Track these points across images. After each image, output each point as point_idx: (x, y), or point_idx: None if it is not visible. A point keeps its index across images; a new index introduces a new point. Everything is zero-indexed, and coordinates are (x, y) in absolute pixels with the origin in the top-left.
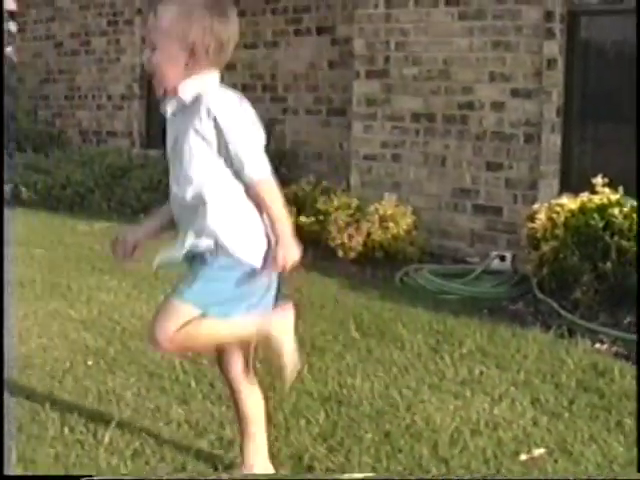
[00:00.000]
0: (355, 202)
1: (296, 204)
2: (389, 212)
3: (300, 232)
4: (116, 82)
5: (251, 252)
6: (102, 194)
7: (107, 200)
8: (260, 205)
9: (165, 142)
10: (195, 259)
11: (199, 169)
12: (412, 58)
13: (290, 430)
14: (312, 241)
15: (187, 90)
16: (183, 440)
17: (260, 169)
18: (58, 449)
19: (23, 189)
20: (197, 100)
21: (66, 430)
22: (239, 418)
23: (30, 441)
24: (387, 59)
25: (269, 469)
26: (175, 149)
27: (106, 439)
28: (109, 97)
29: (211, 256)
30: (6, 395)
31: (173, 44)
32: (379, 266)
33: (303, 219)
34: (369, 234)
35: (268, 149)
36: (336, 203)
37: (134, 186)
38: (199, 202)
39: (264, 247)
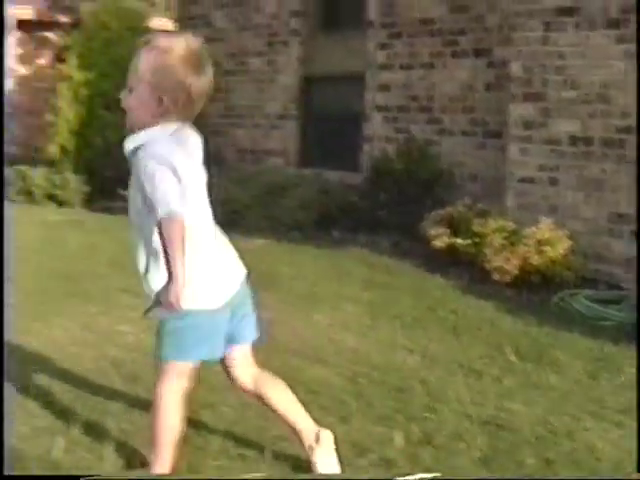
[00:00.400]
0: (511, 225)
1: (451, 226)
2: (546, 236)
3: (456, 253)
4: (272, 101)
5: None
6: (259, 211)
7: (263, 218)
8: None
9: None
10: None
11: (142, 223)
12: (570, 81)
13: (451, 453)
14: (467, 263)
15: (132, 141)
16: (343, 459)
17: (163, 207)
18: (222, 462)
19: None
20: (137, 153)
21: (229, 444)
22: (280, 418)
23: (196, 453)
24: (544, 82)
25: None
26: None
27: (268, 454)
28: (265, 116)
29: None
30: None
31: (146, 90)
32: (534, 290)
33: (459, 241)
34: (525, 257)
35: (423, 170)
36: (492, 226)
37: (290, 204)
38: (148, 255)
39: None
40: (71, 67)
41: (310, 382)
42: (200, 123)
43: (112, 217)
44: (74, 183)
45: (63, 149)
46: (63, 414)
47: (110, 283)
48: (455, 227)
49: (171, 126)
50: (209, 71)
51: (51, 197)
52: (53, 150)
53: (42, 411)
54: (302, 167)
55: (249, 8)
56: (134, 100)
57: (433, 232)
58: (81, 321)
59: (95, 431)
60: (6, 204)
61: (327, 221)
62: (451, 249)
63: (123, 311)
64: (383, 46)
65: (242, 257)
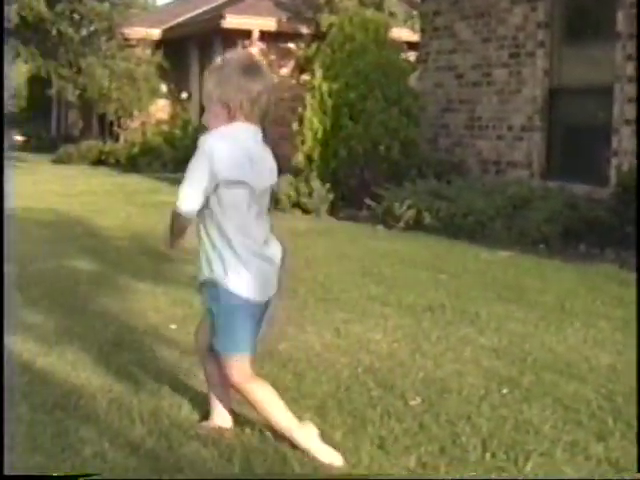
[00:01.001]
0: None
1: None
2: None
3: None
4: (517, 113)
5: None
6: (503, 223)
7: (508, 229)
8: None
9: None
10: None
11: None
12: None
13: None
14: None
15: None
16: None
17: (177, 195)
18: (479, 473)
19: (426, 214)
20: None
21: (487, 456)
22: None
23: (453, 464)
24: None
25: None
26: None
27: (527, 469)
28: (509, 128)
29: None
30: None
31: (216, 105)
32: None
33: None
34: None
35: None
36: None
37: (535, 217)
38: None
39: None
40: (316, 78)
41: (565, 398)
42: (443, 133)
43: (359, 225)
44: (320, 192)
45: (309, 158)
46: (322, 417)
47: (360, 291)
48: None
49: (239, 128)
50: (265, 77)
51: (296, 205)
52: (299, 159)
53: (296, 412)
54: (546, 179)
55: (493, 19)
56: (209, 116)
57: None
58: (333, 327)
59: (356, 436)
60: None
61: (573, 235)
62: None
63: (374, 319)
64: (631, 57)
65: (486, 268)
